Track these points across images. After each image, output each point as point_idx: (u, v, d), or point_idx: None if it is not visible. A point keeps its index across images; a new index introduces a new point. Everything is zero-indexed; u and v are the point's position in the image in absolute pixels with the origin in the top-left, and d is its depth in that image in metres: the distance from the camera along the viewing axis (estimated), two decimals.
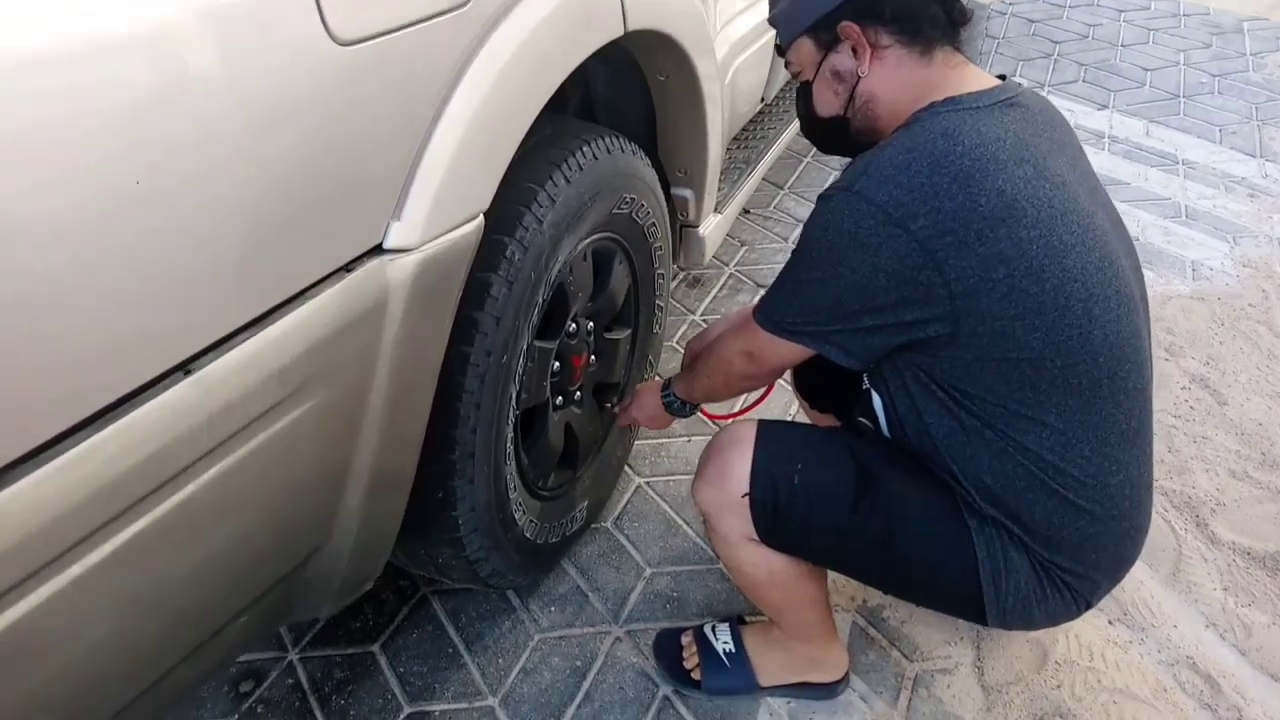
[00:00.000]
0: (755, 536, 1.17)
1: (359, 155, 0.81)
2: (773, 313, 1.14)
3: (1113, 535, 1.10)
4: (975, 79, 1.10)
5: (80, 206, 0.61)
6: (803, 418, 1.84)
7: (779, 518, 1.14)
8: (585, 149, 1.31)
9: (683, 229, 1.91)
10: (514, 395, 1.26)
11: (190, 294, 0.70)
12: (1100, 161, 3.09)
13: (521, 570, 1.44)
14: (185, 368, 0.71)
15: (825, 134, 1.22)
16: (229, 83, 0.69)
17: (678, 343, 2.28)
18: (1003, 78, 1.14)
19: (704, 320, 2.37)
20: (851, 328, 1.07)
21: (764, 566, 1.21)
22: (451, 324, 1.01)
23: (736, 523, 1.17)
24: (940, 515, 1.11)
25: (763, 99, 2.35)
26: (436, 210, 0.91)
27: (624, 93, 1.69)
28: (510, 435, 1.28)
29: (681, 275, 2.54)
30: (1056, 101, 3.58)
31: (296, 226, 0.77)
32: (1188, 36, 4.12)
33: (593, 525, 1.72)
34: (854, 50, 1.11)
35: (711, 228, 1.93)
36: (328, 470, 0.90)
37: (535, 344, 1.33)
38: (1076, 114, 3.47)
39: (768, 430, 1.19)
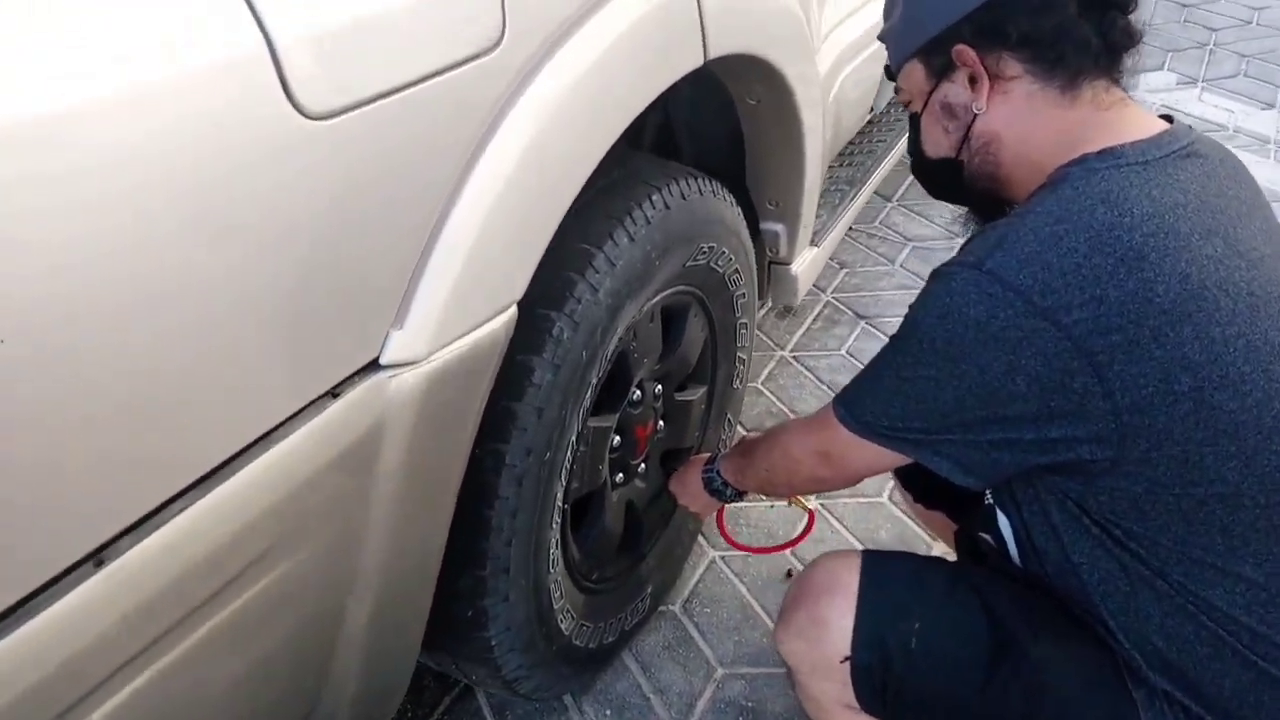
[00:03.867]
0: (855, 705, 0.94)
1: (343, 255, 0.63)
2: (862, 410, 0.90)
3: None
4: (1138, 122, 0.84)
5: None
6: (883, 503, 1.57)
7: (889, 688, 0.91)
8: (655, 198, 1.11)
9: (771, 265, 1.68)
10: (560, 492, 1.07)
11: (99, 465, 0.53)
12: (1264, 173, 2.67)
13: (570, 680, 1.26)
14: (97, 557, 0.54)
15: (935, 178, 0.99)
16: (152, 177, 0.51)
17: (763, 384, 2.05)
18: (1168, 118, 0.87)
19: (794, 358, 2.13)
20: (973, 439, 0.83)
21: None
22: (475, 435, 0.82)
23: (832, 688, 0.94)
24: (1098, 688, 0.86)
25: (872, 109, 2.08)
26: (452, 310, 0.72)
27: (708, 113, 1.46)
28: (554, 539, 1.09)
29: (770, 304, 2.30)
30: (1213, 101, 3.14)
31: (251, 359, 0.59)
32: None
33: (659, 609, 1.52)
34: (971, 80, 0.87)
35: (806, 264, 1.70)
36: (309, 639, 0.73)
37: (590, 425, 1.13)
38: (1237, 114, 3.02)
39: (876, 570, 0.96)
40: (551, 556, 1.09)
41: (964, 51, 0.87)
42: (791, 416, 1.96)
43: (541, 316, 0.97)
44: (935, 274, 0.84)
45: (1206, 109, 3.10)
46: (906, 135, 1.04)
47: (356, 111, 0.61)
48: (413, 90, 0.64)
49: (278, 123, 0.56)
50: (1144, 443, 0.77)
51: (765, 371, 2.09)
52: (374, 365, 0.68)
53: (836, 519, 1.70)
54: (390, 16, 0.63)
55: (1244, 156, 3.24)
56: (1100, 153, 0.82)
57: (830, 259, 2.47)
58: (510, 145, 0.74)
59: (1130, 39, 0.86)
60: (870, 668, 0.91)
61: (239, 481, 0.60)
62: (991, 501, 0.99)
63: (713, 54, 1.02)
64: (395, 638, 0.85)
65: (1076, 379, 0.76)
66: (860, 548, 1.62)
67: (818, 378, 2.06)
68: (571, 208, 1.05)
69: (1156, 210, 0.76)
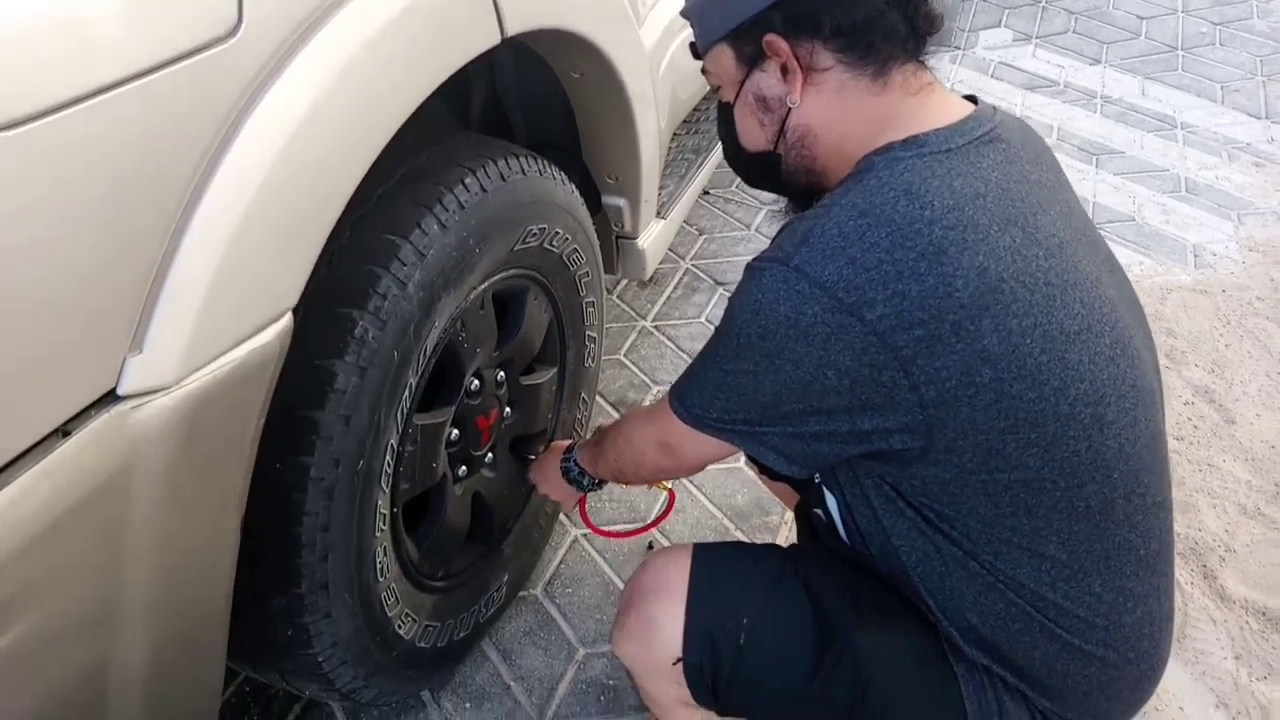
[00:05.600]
0: (693, 702, 0.95)
1: (52, 276, 0.56)
2: (692, 403, 0.90)
3: (1128, 680, 0.89)
4: (943, 107, 0.84)
5: None
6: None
7: (721, 685, 0.92)
8: (469, 181, 1.05)
9: (618, 240, 1.66)
10: (383, 498, 1.02)
11: None
12: (1093, 126, 2.82)
13: (418, 681, 1.23)
14: None
15: (752, 170, 0.96)
16: None
17: (625, 356, 2.04)
18: (972, 99, 0.88)
19: (655, 327, 2.13)
20: (793, 431, 0.84)
21: None
22: (253, 457, 0.76)
23: (669, 687, 0.95)
24: (920, 665, 0.89)
25: None
26: (204, 328, 0.66)
27: (540, 86, 1.41)
28: (382, 546, 1.05)
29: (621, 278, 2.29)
30: (1045, 57, 3.29)
31: None
32: None
33: (519, 595, 1.50)
34: (784, 71, 0.85)
35: (653, 237, 1.68)
36: (67, 689, 0.66)
37: (417, 423, 1.09)
38: (1067, 70, 3.18)
39: (705, 568, 0.95)
40: (379, 564, 1.04)
41: (776, 42, 0.83)
42: (654, 387, 1.96)
43: (343, 316, 0.91)
44: (748, 268, 0.82)
45: (1040, 65, 3.25)
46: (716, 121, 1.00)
47: (54, 116, 0.54)
48: (127, 87, 0.57)
49: None
50: (950, 432, 0.78)
51: (627, 343, 2.08)
52: (111, 397, 0.62)
53: (695, 485, 1.71)
54: (91, 8, 0.55)
55: (1073, 110, 3.34)
56: (905, 141, 0.81)
57: (688, 225, 2.47)
58: (262, 143, 0.67)
59: (933, 24, 0.85)
60: (701, 666, 0.91)
61: None
62: (820, 481, 1.00)
63: (511, 30, 0.97)
64: (184, 675, 0.79)
65: (884, 373, 0.76)
66: (717, 513, 1.65)
67: (678, 347, 2.07)
68: (376, 195, 0.99)
69: (957, 202, 0.76)
